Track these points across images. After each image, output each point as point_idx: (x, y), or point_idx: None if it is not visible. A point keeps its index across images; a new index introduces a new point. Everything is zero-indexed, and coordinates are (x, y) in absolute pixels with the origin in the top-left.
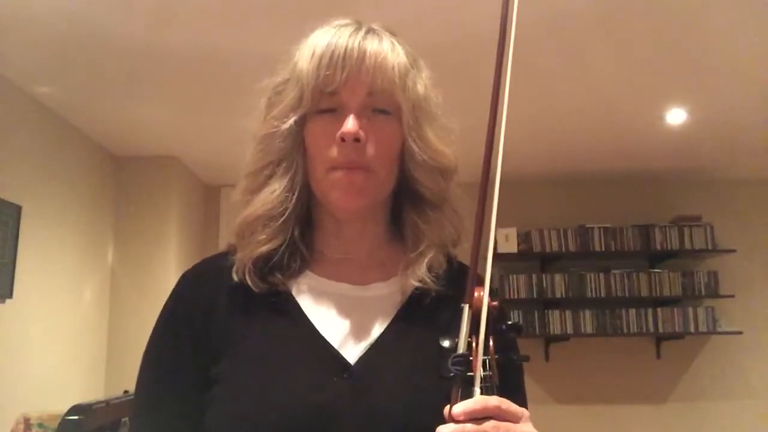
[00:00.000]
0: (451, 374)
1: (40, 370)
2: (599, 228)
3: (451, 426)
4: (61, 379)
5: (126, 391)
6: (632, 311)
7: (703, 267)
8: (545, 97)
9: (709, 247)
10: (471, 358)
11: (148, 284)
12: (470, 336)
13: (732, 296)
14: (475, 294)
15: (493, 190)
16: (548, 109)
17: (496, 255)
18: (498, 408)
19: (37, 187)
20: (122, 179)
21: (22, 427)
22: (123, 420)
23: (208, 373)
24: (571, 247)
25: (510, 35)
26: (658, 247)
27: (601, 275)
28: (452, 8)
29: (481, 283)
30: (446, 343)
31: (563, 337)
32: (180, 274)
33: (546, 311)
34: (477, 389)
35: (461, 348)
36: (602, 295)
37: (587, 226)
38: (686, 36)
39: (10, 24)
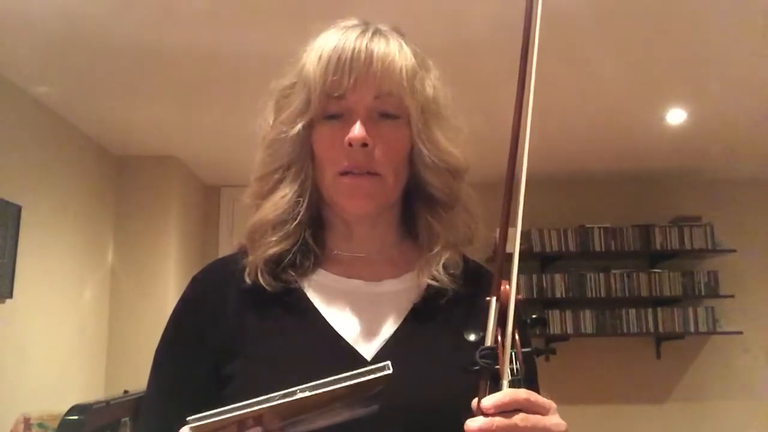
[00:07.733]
0: (478, 367)
1: (40, 370)
2: (599, 228)
3: (480, 419)
4: (61, 379)
5: (126, 391)
6: (632, 311)
7: (703, 267)
8: (545, 98)
9: (709, 247)
10: (498, 352)
11: (148, 284)
12: (495, 330)
13: (732, 296)
14: (502, 287)
15: (519, 187)
16: (548, 110)
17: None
18: (527, 401)
19: (37, 187)
20: (122, 179)
21: (22, 427)
22: (123, 420)
23: (220, 372)
24: (571, 247)
25: (534, 37)
26: (658, 247)
27: (601, 275)
28: (454, 10)
29: (504, 278)
30: (472, 337)
31: (563, 337)
32: (180, 274)
33: (546, 311)
34: (505, 382)
35: (488, 341)
36: (602, 295)
37: (587, 226)
38: (686, 36)
39: (10, 24)
